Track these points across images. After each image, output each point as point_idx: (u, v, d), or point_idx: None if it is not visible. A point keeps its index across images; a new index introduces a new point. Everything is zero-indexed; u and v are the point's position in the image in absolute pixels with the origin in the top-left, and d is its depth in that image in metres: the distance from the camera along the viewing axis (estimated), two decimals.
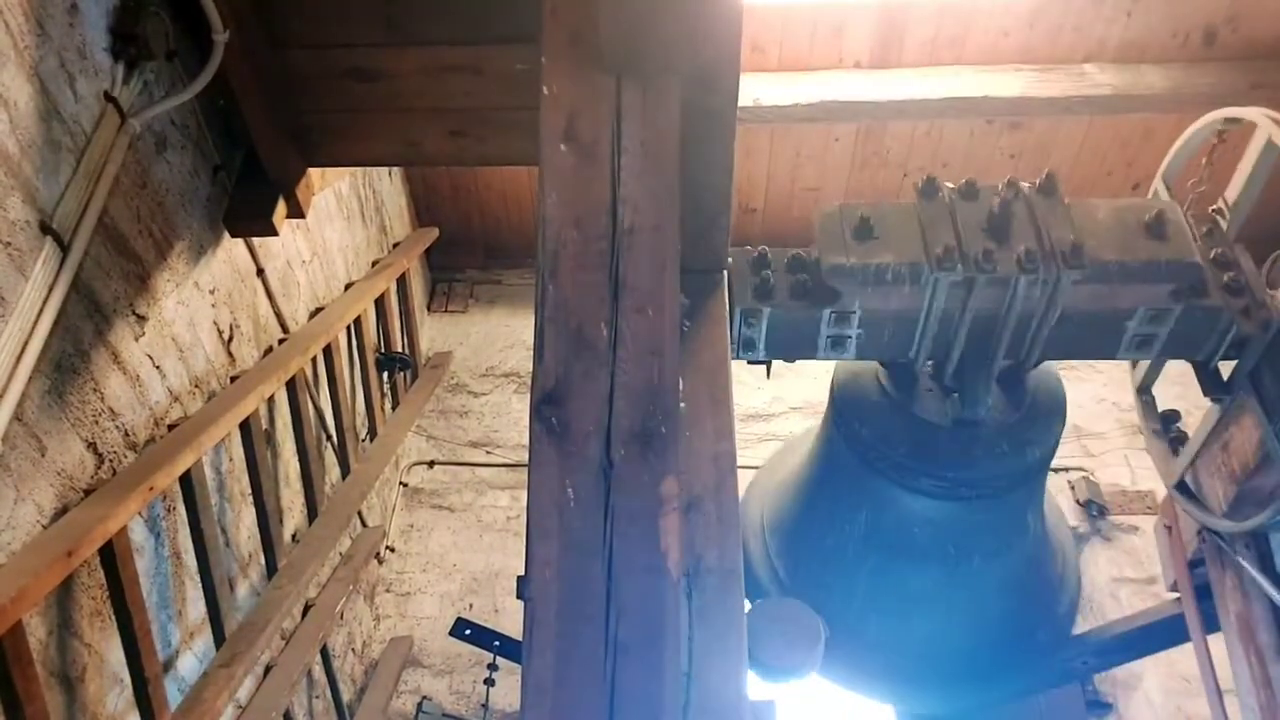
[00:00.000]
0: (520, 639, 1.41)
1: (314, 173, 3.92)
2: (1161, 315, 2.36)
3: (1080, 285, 2.28)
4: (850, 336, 2.42)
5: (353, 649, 5.36)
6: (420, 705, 5.35)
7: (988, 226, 2.31)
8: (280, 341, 4.39)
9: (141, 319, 3.29)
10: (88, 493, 2.93)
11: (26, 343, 2.60)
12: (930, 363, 2.54)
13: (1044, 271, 2.24)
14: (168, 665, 3.41)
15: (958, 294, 2.31)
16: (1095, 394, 6.07)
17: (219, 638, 3.57)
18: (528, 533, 1.45)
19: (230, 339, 3.94)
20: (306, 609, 4.40)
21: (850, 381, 2.69)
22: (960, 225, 2.32)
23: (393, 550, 5.98)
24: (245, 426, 3.81)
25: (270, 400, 4.21)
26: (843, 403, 2.68)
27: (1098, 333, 2.42)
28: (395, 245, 6.15)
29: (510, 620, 5.45)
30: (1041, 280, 2.26)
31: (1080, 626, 3.26)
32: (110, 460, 3.09)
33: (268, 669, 3.97)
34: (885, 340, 2.43)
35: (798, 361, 2.53)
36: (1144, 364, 2.94)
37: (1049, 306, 2.31)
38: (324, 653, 4.68)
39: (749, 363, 2.53)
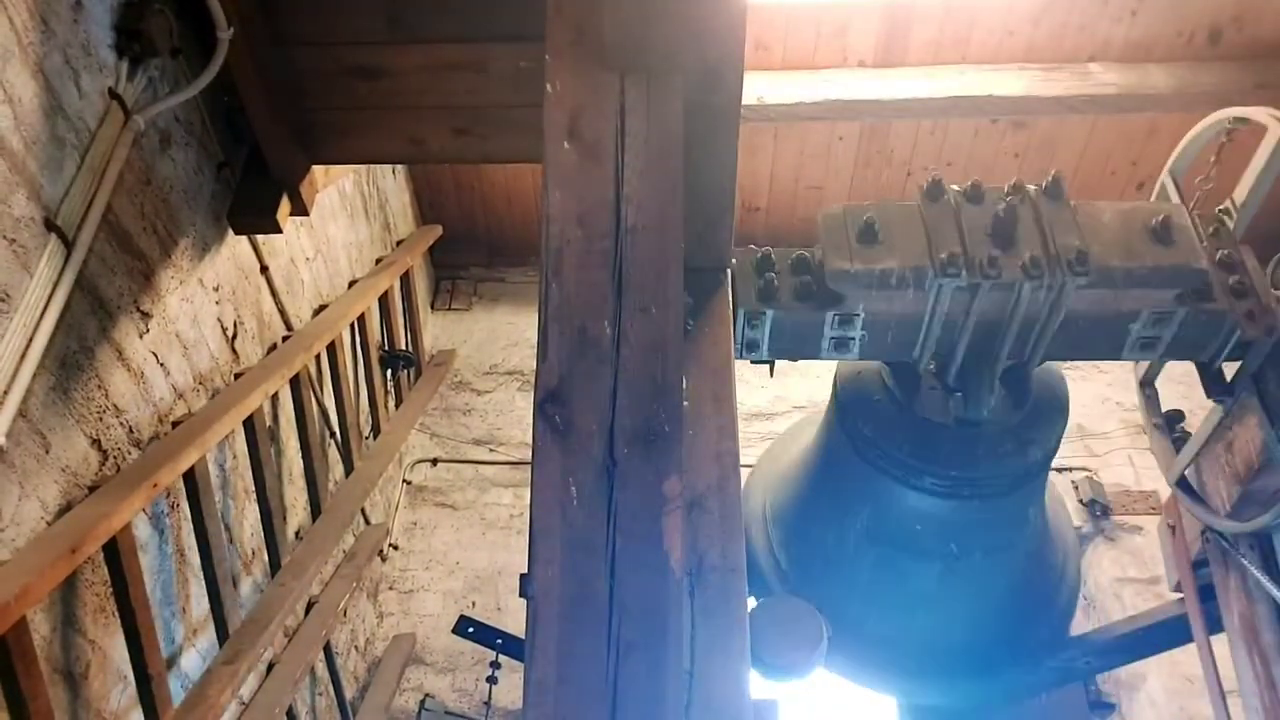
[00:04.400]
0: (523, 637, 1.41)
1: (318, 170, 3.93)
2: (1165, 318, 2.36)
3: (1085, 290, 2.28)
4: (854, 338, 2.41)
5: (355, 646, 5.37)
6: (423, 703, 5.35)
7: (992, 231, 2.29)
8: (284, 339, 4.39)
9: (146, 316, 3.29)
10: (92, 489, 2.93)
11: (31, 339, 2.60)
12: (933, 364, 2.54)
13: (1049, 278, 2.23)
14: (171, 662, 3.41)
15: (962, 299, 2.31)
16: (1099, 394, 6.06)
17: (222, 634, 3.58)
18: (531, 531, 1.45)
19: (234, 336, 3.95)
20: (309, 606, 4.40)
21: (853, 379, 2.70)
22: (965, 230, 2.30)
23: (396, 548, 5.99)
24: (249, 424, 3.81)
25: (274, 397, 4.22)
26: (846, 400, 2.68)
27: (1101, 335, 2.42)
28: (399, 243, 6.15)
29: (513, 618, 5.45)
30: (1046, 286, 2.25)
31: (1083, 626, 3.26)
32: (114, 457, 3.09)
33: (271, 666, 3.98)
34: (889, 342, 2.43)
35: (801, 361, 2.53)
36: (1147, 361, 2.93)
37: (1053, 311, 2.31)
38: (327, 650, 4.68)
39: (752, 362, 2.53)
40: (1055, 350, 2.44)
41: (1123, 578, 5.50)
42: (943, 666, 2.93)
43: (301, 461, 4.49)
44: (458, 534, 6.06)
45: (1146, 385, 2.97)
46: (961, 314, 2.33)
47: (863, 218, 2.32)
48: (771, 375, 2.57)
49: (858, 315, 2.37)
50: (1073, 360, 2.57)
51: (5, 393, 2.51)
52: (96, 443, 3.01)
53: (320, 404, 4.68)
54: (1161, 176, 2.76)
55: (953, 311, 2.33)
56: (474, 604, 5.71)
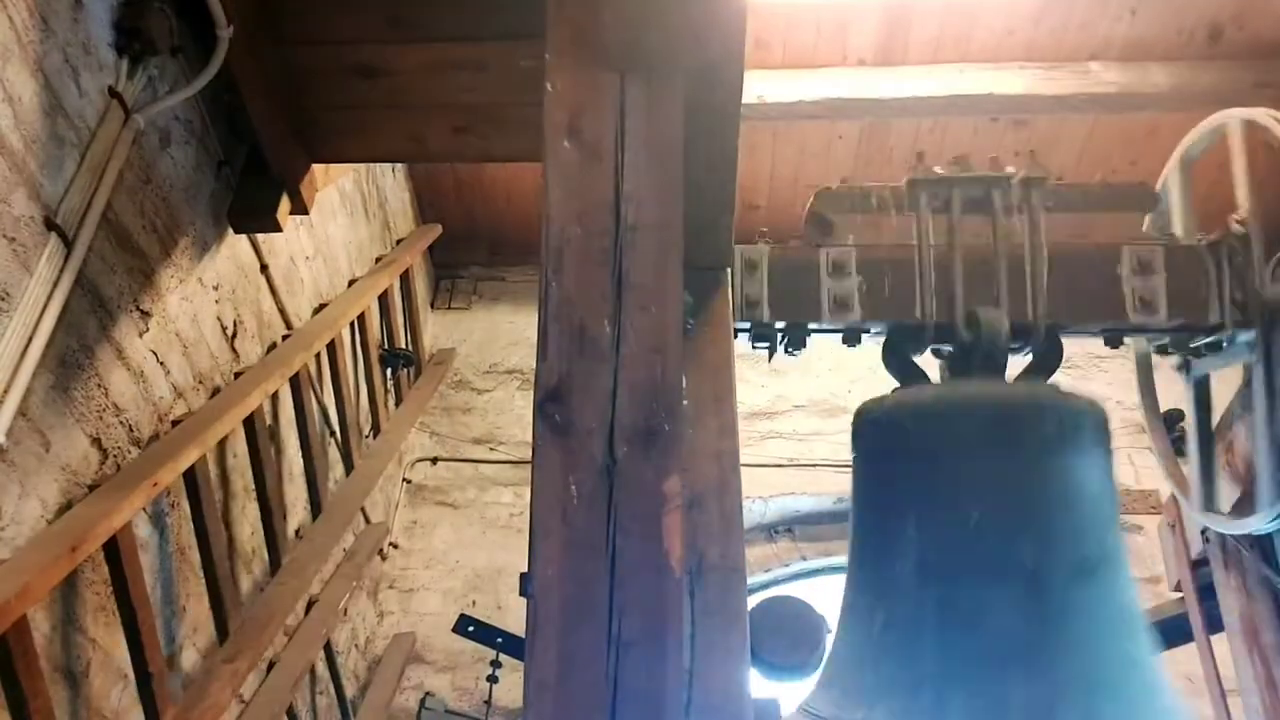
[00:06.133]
0: (523, 636, 1.41)
1: (318, 169, 3.92)
2: (1149, 259, 2.41)
3: (1054, 213, 2.41)
4: (852, 293, 2.42)
5: (356, 645, 5.37)
6: (423, 702, 5.35)
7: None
8: (284, 338, 4.39)
9: (146, 315, 3.29)
10: (92, 488, 2.93)
11: (31, 338, 2.60)
12: (942, 348, 2.50)
13: (1016, 186, 2.42)
14: (172, 661, 3.41)
15: (942, 224, 2.41)
16: (1099, 393, 6.00)
17: (223, 633, 3.58)
18: (531, 530, 1.45)
19: (234, 335, 3.95)
20: (310, 605, 4.41)
21: (870, 410, 2.47)
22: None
23: (396, 547, 5.99)
24: (249, 423, 3.81)
25: (274, 396, 4.22)
26: (865, 426, 2.45)
27: (1096, 287, 2.43)
28: (399, 242, 6.16)
29: (513, 617, 5.44)
30: (1017, 202, 2.41)
31: None
32: (115, 456, 3.09)
33: (271, 665, 3.98)
34: (887, 293, 2.44)
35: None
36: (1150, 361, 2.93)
37: (1034, 234, 2.39)
38: (327, 649, 4.69)
39: (752, 338, 2.48)
40: (1058, 312, 2.42)
41: None
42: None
43: (301, 460, 4.49)
44: (458, 533, 6.06)
45: (1145, 376, 2.98)
46: (946, 239, 2.42)
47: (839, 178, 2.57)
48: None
49: (850, 252, 2.43)
50: (1080, 331, 2.50)
51: (5, 391, 2.51)
52: (97, 441, 3.01)
53: (320, 403, 4.68)
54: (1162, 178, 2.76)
55: (939, 244, 2.42)
56: (474, 603, 5.70)
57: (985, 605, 2.19)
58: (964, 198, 2.47)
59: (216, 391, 3.74)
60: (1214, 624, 2.84)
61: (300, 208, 3.88)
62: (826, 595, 5.96)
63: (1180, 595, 3.03)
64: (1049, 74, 5.52)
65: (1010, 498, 2.28)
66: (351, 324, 5.10)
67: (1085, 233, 2.57)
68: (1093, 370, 5.96)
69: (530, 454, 1.52)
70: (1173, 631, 3.06)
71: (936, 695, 2.11)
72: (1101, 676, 2.17)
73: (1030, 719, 2.07)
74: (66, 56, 2.81)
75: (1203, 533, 2.86)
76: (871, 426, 2.46)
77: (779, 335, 2.50)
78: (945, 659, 2.15)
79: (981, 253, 2.43)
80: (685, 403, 1.66)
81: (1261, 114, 2.48)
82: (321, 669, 4.76)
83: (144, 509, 3.20)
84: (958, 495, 2.28)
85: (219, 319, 3.82)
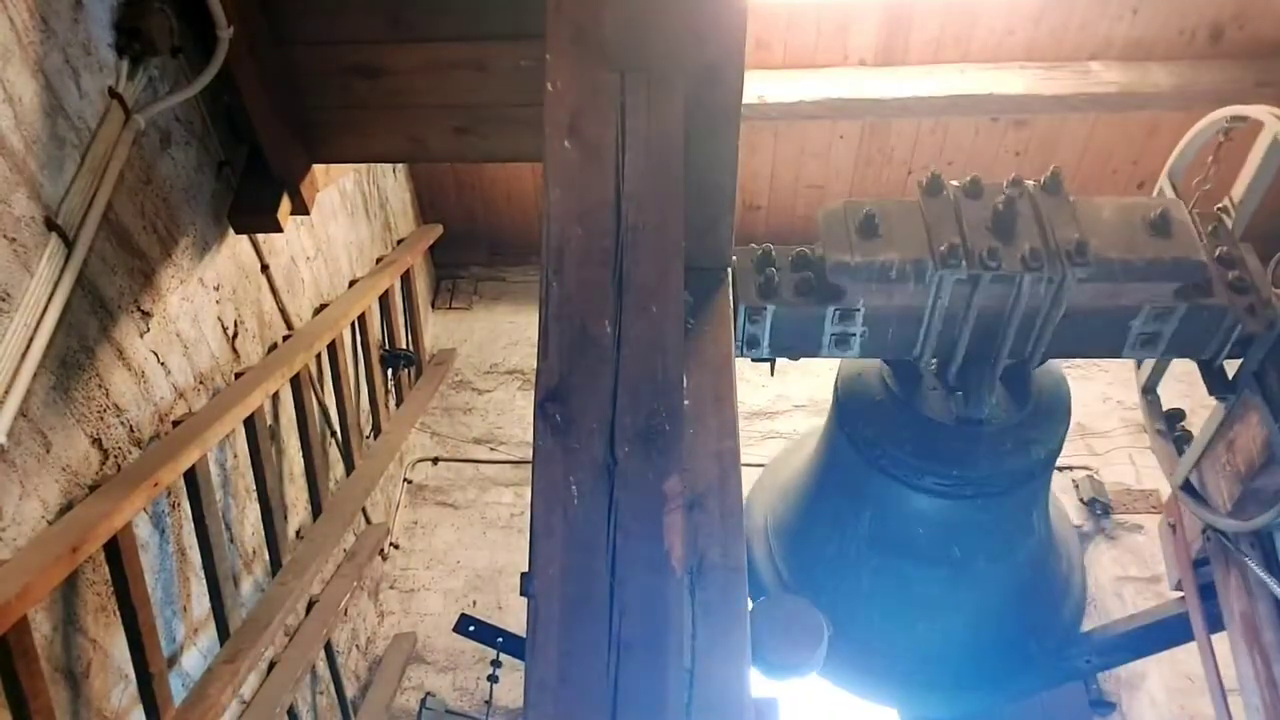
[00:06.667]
0: (524, 636, 1.41)
1: (318, 169, 3.92)
2: (1166, 314, 2.35)
3: (1085, 284, 2.27)
4: (854, 334, 2.41)
5: (356, 645, 5.37)
6: (424, 702, 5.35)
7: (992, 225, 2.29)
8: (285, 338, 4.39)
9: (146, 315, 3.29)
10: (93, 489, 2.93)
11: (32, 339, 2.60)
12: (935, 361, 2.53)
13: (1049, 270, 2.23)
14: (172, 661, 3.41)
15: (962, 292, 2.30)
16: (1100, 393, 6.06)
17: (223, 633, 3.58)
18: (531, 530, 1.45)
19: (235, 335, 3.95)
20: (310, 605, 4.40)
21: (854, 380, 2.70)
22: (965, 223, 2.29)
23: (397, 547, 5.99)
24: (250, 423, 3.81)
25: (275, 396, 4.22)
26: (847, 402, 2.68)
27: (1102, 331, 2.41)
28: (399, 242, 6.15)
29: (514, 617, 5.45)
30: (1046, 279, 2.25)
31: (1084, 625, 3.26)
32: (115, 456, 3.09)
33: (271, 665, 3.98)
34: (889, 338, 2.43)
35: (802, 359, 2.52)
36: (1149, 362, 2.93)
37: (1054, 304, 2.30)
38: (328, 649, 4.69)
39: (753, 360, 2.53)
40: (1056, 348, 2.43)
41: (1123, 576, 5.50)
42: (946, 676, 2.90)
43: (302, 460, 4.49)
44: (458, 533, 6.06)
45: (1148, 391, 2.97)
46: (962, 308, 2.33)
47: (863, 212, 2.32)
48: (772, 374, 2.57)
49: (858, 310, 2.36)
50: (1074, 358, 2.56)
51: (6, 392, 2.51)
52: (97, 442, 3.01)
53: (321, 403, 4.68)
54: (1160, 180, 2.76)
55: (953, 306, 2.32)
56: (475, 603, 5.71)
57: (912, 578, 2.84)
58: (992, 283, 2.28)
59: (217, 392, 3.74)
60: (1214, 623, 2.84)
61: (301, 208, 3.88)
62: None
63: (1181, 594, 3.02)
64: (1049, 74, 5.52)
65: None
66: (352, 324, 5.10)
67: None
68: (1093, 369, 5.95)
69: (531, 454, 1.52)
70: (1174, 630, 3.05)
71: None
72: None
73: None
74: (67, 57, 2.81)
75: (1203, 532, 2.86)
76: (849, 440, 2.71)
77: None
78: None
79: (994, 313, 2.35)
80: (686, 402, 1.66)
81: (1263, 111, 2.48)
82: (322, 669, 4.76)
83: (144, 509, 3.20)
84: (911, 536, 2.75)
85: (220, 319, 3.82)
